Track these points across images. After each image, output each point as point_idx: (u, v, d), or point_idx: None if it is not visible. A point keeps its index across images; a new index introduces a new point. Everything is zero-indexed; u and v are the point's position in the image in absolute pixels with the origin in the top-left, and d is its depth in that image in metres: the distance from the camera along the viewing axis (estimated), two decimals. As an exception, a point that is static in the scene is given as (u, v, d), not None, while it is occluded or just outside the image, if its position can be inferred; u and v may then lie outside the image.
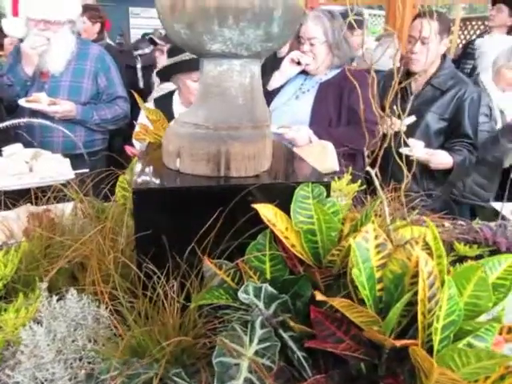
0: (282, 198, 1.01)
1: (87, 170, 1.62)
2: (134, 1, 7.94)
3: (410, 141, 2.29)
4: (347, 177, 1.63)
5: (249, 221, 1.00)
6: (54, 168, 1.58)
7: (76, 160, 2.04)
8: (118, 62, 3.34)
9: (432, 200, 2.50)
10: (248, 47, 0.99)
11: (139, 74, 4.90)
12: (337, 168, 2.20)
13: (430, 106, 2.44)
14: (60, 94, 2.34)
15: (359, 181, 1.62)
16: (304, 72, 2.40)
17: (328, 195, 1.05)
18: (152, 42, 5.76)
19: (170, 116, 2.29)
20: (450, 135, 2.45)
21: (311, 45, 2.30)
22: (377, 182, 0.98)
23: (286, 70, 2.33)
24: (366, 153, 1.02)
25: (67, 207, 1.49)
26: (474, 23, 8.15)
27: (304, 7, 1.10)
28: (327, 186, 1.06)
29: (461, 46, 6.72)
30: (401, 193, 1.05)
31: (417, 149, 2.29)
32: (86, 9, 3.88)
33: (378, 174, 0.98)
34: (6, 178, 1.49)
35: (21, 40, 2.46)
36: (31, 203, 1.55)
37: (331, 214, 0.99)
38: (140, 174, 1.06)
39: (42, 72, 2.38)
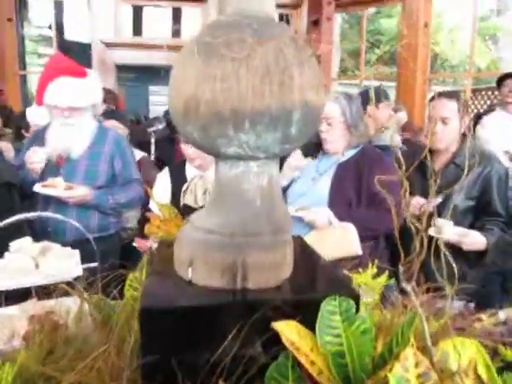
0: (307, 312, 0.90)
1: (96, 264, 1.53)
2: (154, 80, 8.31)
3: (438, 221, 2.18)
4: (372, 269, 1.51)
5: (270, 339, 0.88)
6: (61, 265, 1.51)
7: (88, 245, 1.97)
8: (133, 138, 3.41)
9: (468, 285, 2.34)
10: (265, 150, 0.92)
11: (152, 148, 5.00)
12: (359, 252, 2.08)
13: (455, 185, 2.35)
14: (76, 179, 2.31)
15: (386, 274, 1.50)
16: (321, 149, 2.37)
17: (357, 309, 0.94)
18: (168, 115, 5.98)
19: (183, 181, 2.37)
20: (480, 214, 2.33)
21: (329, 124, 2.28)
22: (412, 295, 0.86)
23: (287, 175, 2.32)
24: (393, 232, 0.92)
25: (74, 302, 1.39)
26: (483, 93, 8.29)
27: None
28: (356, 298, 0.95)
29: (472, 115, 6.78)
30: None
31: (446, 229, 2.17)
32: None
33: (411, 271, 0.87)
34: (10, 275, 1.42)
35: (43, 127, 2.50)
36: (38, 298, 1.46)
37: (362, 333, 0.87)
38: (148, 286, 0.96)
39: (58, 156, 2.37)
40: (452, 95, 2.39)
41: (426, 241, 0.86)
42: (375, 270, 1.53)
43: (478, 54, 12.19)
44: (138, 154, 3.20)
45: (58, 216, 1.58)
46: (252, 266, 0.93)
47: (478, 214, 2.34)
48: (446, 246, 2.26)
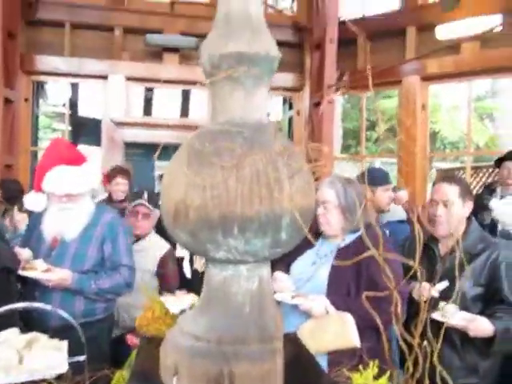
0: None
1: (83, 358, 1.46)
2: (160, 156, 8.57)
3: (443, 305, 2.11)
4: (373, 369, 1.43)
5: None
6: (47, 359, 1.45)
7: (75, 330, 1.89)
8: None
9: (479, 377, 2.22)
10: (255, 254, 0.92)
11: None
12: (358, 344, 1.99)
13: (462, 272, 2.29)
14: (64, 262, 2.27)
15: (388, 373, 1.42)
16: (321, 234, 2.36)
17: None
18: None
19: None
20: (489, 302, 2.24)
21: (325, 208, 2.28)
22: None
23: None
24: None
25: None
26: (484, 170, 8.41)
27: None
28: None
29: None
30: None
31: (450, 314, 2.08)
32: (125, 171, 4.23)
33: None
34: (-9, 371, 1.35)
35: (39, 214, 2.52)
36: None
37: None
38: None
39: (53, 238, 2.35)
40: (453, 179, 2.41)
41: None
42: (376, 370, 1.45)
43: (476, 133, 12.56)
44: (163, 247, 3.00)
45: (48, 307, 1.54)
46: (239, 377, 0.88)
47: (487, 302, 2.25)
48: (458, 334, 2.17)
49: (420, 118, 6.13)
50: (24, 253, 2.23)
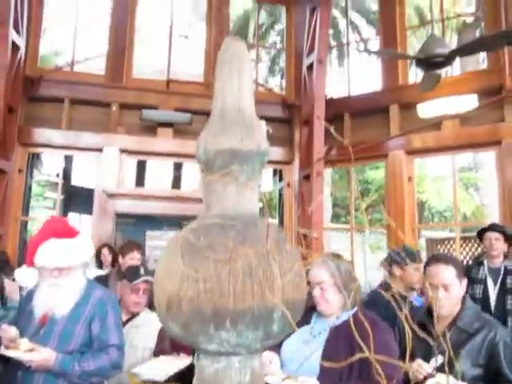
0: None
1: None
2: (151, 226, 8.59)
3: (438, 375, 2.06)
4: None
5: None
6: None
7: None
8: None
9: None
10: (247, 346, 0.92)
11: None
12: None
13: (460, 351, 2.26)
14: (51, 340, 2.20)
15: None
16: (315, 310, 2.33)
17: None
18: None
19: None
20: (491, 382, 2.20)
21: (322, 289, 2.27)
22: None
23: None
24: None
25: None
26: (473, 241, 8.49)
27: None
28: None
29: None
30: None
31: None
32: (140, 246, 4.26)
33: None
34: None
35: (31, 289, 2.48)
36: None
37: None
38: None
39: (43, 315, 2.30)
40: (448, 260, 2.42)
41: None
42: None
43: (462, 202, 12.85)
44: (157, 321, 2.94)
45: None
46: None
47: (488, 383, 2.21)
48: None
49: (407, 190, 6.29)
50: (10, 331, 2.15)
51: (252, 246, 0.90)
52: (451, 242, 7.96)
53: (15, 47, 6.02)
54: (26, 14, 6.20)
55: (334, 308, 2.28)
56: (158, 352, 2.83)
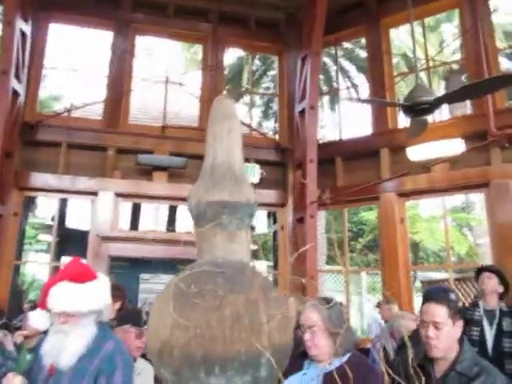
0: None
1: None
2: (145, 268, 8.54)
3: None
4: None
5: None
6: None
7: None
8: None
9: None
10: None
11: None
12: None
13: (460, 396, 2.25)
14: None
15: None
16: (307, 357, 2.32)
17: None
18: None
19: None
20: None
21: (312, 333, 2.28)
22: None
23: None
24: None
25: None
26: (467, 282, 8.49)
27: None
28: None
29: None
30: None
31: None
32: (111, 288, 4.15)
33: None
34: None
35: (44, 332, 2.37)
36: None
37: None
38: None
39: (50, 365, 2.12)
40: (441, 299, 2.44)
41: None
42: None
43: (456, 242, 12.90)
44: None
45: None
46: None
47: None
48: None
49: (399, 232, 6.35)
50: (16, 380, 2.04)
51: (240, 292, 0.95)
52: (446, 284, 7.95)
53: (15, 94, 6.20)
54: (26, 63, 6.42)
55: (325, 353, 2.27)
56: None
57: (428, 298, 2.58)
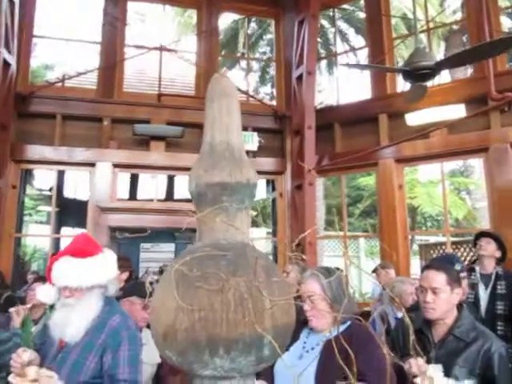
0: None
1: None
2: (145, 238, 8.62)
3: (429, 369, 2.12)
4: None
5: None
6: None
7: None
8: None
9: None
10: (240, 371, 0.97)
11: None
12: None
13: (456, 359, 2.32)
14: (64, 369, 2.09)
15: None
16: (307, 326, 2.37)
17: None
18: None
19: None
20: (487, 391, 2.26)
21: (312, 302, 2.31)
22: None
23: None
24: None
25: None
26: (465, 245, 8.59)
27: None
28: None
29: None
30: None
31: (438, 376, 2.09)
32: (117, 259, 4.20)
33: None
34: None
35: (51, 306, 2.39)
36: None
37: None
38: None
39: (60, 340, 2.14)
40: (441, 267, 2.52)
41: None
42: None
43: (454, 207, 12.99)
44: None
45: None
46: None
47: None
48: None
49: (397, 198, 6.37)
50: (23, 356, 2.00)
51: (242, 274, 0.95)
52: (443, 247, 8.06)
53: (6, 65, 6.05)
54: (16, 32, 6.24)
55: (324, 323, 2.30)
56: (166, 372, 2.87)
57: (429, 265, 2.65)
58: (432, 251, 7.80)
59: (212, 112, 1.11)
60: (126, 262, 4.22)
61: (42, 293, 2.35)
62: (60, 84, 6.86)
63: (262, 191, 8.55)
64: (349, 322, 2.33)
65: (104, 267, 2.25)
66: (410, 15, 11.42)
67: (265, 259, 1.06)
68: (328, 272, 2.42)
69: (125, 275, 4.13)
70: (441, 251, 7.57)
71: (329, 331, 2.31)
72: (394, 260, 6.00)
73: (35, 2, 6.78)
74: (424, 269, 2.65)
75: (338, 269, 5.33)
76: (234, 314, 0.92)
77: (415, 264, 8.83)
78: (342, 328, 2.31)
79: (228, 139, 1.08)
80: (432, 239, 12.51)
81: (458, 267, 2.73)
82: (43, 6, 7.08)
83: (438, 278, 2.43)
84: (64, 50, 7.16)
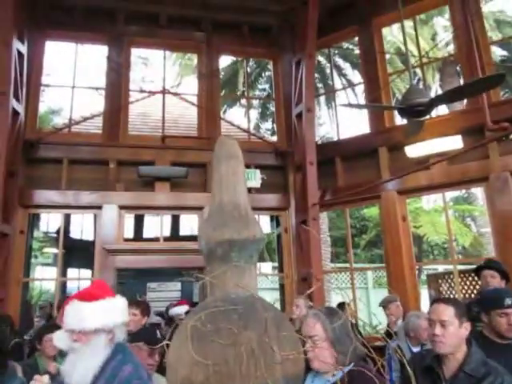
0: None
1: None
2: (152, 277, 8.64)
3: None
4: None
5: None
6: None
7: None
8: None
9: None
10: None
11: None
12: None
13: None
14: None
15: None
16: (313, 370, 2.36)
17: None
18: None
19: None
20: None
21: (313, 343, 2.30)
22: None
23: None
24: None
25: None
26: (473, 275, 8.53)
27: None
28: None
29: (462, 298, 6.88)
30: None
31: None
32: (139, 303, 4.23)
33: None
34: None
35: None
36: None
37: None
38: None
39: None
40: (450, 300, 2.55)
41: None
42: None
43: (460, 234, 12.96)
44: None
45: None
46: None
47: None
48: None
49: (402, 229, 6.40)
50: (45, 377, 1.99)
51: (253, 329, 1.01)
52: (451, 277, 8.00)
53: (15, 114, 6.26)
54: (25, 81, 6.49)
55: (327, 365, 2.27)
56: None
57: (438, 299, 2.70)
58: (440, 281, 7.74)
59: (219, 174, 1.19)
60: (147, 308, 4.26)
61: (57, 337, 2.36)
62: (66, 130, 7.06)
63: (266, 226, 8.61)
64: (352, 364, 2.29)
65: (110, 311, 2.19)
66: (404, 50, 11.79)
67: (274, 311, 1.12)
68: (331, 313, 2.42)
69: (145, 320, 4.14)
70: (449, 280, 7.52)
71: (332, 374, 2.28)
72: (401, 291, 5.98)
73: (43, 51, 7.06)
74: (433, 302, 2.69)
75: (343, 303, 5.32)
76: (247, 367, 0.97)
77: (424, 294, 8.75)
78: (344, 371, 2.29)
79: (235, 199, 1.16)
80: (440, 267, 12.43)
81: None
82: (50, 54, 7.37)
83: (447, 311, 2.46)
84: (70, 96, 7.39)
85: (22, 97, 6.44)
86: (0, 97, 6.01)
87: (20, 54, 6.39)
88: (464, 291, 7.67)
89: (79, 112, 7.87)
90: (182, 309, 5.81)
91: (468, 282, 8.40)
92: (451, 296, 7.72)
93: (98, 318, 2.15)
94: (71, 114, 7.29)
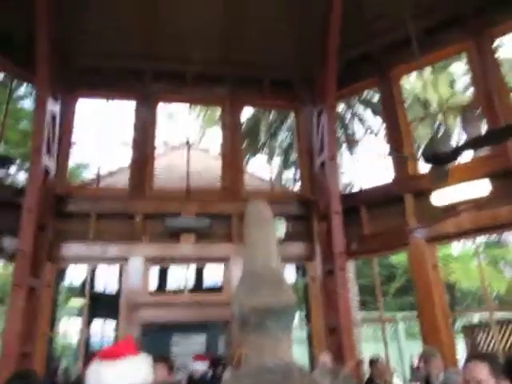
0: None
1: None
2: (177, 330, 8.48)
3: None
4: None
5: None
6: None
7: None
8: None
9: None
10: None
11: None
12: None
13: None
14: None
15: None
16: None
17: None
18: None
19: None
20: None
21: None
22: None
23: None
24: None
25: None
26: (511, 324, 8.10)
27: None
28: None
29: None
30: None
31: None
32: (167, 360, 4.17)
33: None
34: None
35: None
36: None
37: None
38: None
39: None
40: (485, 357, 2.42)
41: None
42: None
43: (493, 281, 12.43)
44: None
45: None
46: None
47: None
48: None
49: (433, 278, 6.19)
50: None
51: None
52: (488, 327, 7.62)
53: (46, 169, 6.51)
54: (56, 139, 6.79)
55: None
56: None
57: (471, 356, 2.56)
58: (476, 333, 7.38)
59: (251, 238, 1.20)
60: (173, 366, 4.18)
61: None
62: (94, 185, 7.26)
63: (291, 275, 8.47)
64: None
65: (133, 372, 2.11)
66: (422, 96, 11.91)
67: (309, 378, 1.08)
68: (335, 375, 2.35)
69: (171, 377, 4.04)
70: (485, 333, 7.16)
71: None
72: (436, 342, 5.70)
73: (74, 110, 7.41)
74: (467, 361, 2.55)
75: (376, 359, 5.10)
76: None
77: (460, 344, 8.32)
78: None
79: (269, 264, 1.16)
80: (475, 317, 11.88)
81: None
82: (80, 111, 7.72)
83: (482, 370, 2.34)
84: (98, 150, 7.67)
85: (53, 153, 6.71)
86: (34, 154, 6.30)
87: (53, 112, 6.73)
88: (504, 342, 7.27)
89: (107, 166, 8.13)
90: (202, 365, 5.69)
91: (508, 332, 7.97)
92: (489, 349, 7.32)
93: (121, 379, 2.05)
94: (99, 166, 7.54)
